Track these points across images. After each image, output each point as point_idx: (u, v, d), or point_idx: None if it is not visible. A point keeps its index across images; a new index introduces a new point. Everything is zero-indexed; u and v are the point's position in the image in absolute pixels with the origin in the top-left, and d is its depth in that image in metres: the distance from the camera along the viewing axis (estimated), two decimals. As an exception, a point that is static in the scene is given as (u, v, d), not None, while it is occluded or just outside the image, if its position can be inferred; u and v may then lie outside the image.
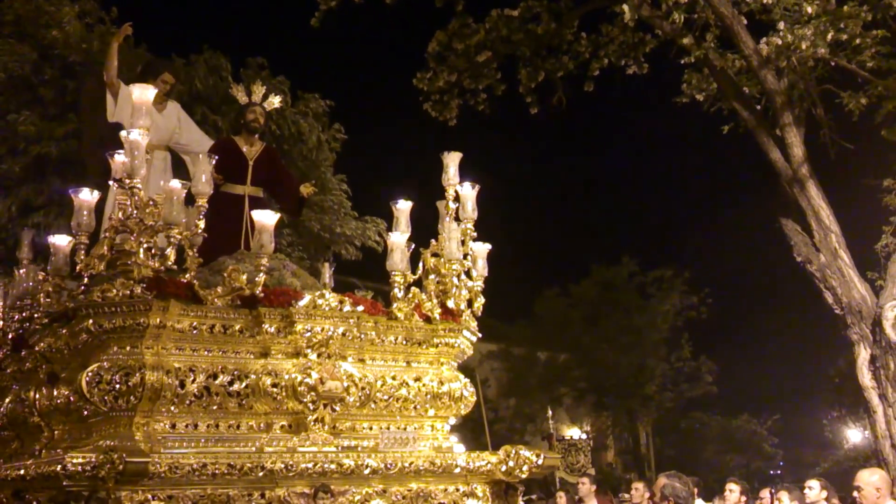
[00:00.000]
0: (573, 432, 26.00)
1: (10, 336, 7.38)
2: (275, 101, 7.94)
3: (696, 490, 8.43)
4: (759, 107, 12.37)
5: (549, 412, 16.45)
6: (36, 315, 6.97)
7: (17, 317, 7.37)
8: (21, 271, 7.37)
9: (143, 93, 5.25)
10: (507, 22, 13.05)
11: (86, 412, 5.45)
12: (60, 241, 6.10)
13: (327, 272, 8.80)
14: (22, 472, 5.66)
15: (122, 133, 5.18)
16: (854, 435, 27.98)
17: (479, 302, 6.68)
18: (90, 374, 5.08)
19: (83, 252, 5.63)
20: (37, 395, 6.17)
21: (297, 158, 14.12)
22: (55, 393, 5.91)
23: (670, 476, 6.49)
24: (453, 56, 13.29)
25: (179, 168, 8.47)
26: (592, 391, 27.59)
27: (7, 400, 7.06)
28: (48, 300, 5.89)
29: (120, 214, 5.32)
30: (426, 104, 13.65)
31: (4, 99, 13.05)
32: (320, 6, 12.73)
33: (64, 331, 5.81)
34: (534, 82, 13.59)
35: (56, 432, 6.21)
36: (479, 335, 6.80)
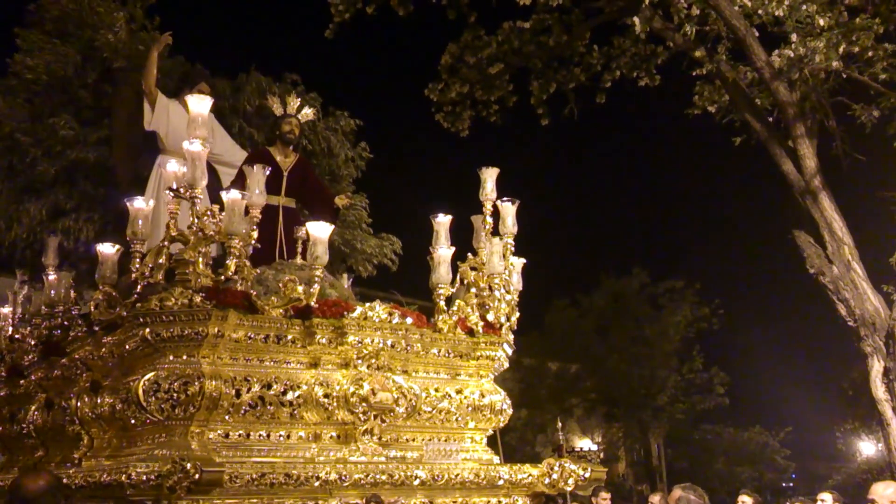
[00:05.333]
0: (584, 443, 25.92)
1: (33, 343, 7.36)
2: (309, 113, 7.98)
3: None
4: (771, 119, 12.38)
5: (559, 423, 16.41)
6: (66, 322, 6.96)
7: (44, 323, 7.35)
8: (50, 278, 7.35)
9: (200, 104, 5.24)
10: (519, 34, 13.11)
11: (133, 421, 5.43)
12: (107, 249, 6.06)
13: (346, 282, 8.84)
14: (65, 480, 5.63)
15: (184, 144, 5.18)
16: (867, 447, 27.84)
17: (516, 315, 6.70)
18: (147, 382, 5.06)
19: (138, 260, 5.60)
20: (78, 404, 6.16)
21: (324, 173, 14.04)
22: (98, 401, 5.89)
23: (686, 488, 6.50)
24: (466, 68, 13.34)
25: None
26: (603, 402, 27.51)
27: (33, 408, 7.02)
28: (97, 308, 5.82)
29: (172, 223, 5.31)
30: (438, 115, 13.70)
31: (41, 100, 12.76)
32: (334, 18, 12.78)
33: (109, 338, 5.80)
34: (545, 94, 13.64)
35: (96, 441, 6.19)
36: (515, 348, 6.82)
